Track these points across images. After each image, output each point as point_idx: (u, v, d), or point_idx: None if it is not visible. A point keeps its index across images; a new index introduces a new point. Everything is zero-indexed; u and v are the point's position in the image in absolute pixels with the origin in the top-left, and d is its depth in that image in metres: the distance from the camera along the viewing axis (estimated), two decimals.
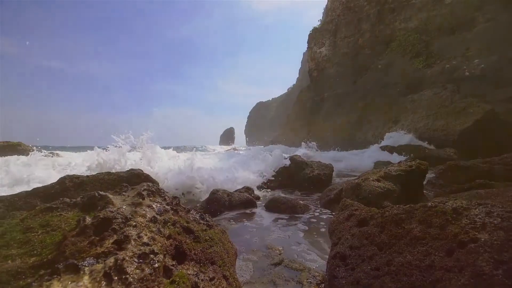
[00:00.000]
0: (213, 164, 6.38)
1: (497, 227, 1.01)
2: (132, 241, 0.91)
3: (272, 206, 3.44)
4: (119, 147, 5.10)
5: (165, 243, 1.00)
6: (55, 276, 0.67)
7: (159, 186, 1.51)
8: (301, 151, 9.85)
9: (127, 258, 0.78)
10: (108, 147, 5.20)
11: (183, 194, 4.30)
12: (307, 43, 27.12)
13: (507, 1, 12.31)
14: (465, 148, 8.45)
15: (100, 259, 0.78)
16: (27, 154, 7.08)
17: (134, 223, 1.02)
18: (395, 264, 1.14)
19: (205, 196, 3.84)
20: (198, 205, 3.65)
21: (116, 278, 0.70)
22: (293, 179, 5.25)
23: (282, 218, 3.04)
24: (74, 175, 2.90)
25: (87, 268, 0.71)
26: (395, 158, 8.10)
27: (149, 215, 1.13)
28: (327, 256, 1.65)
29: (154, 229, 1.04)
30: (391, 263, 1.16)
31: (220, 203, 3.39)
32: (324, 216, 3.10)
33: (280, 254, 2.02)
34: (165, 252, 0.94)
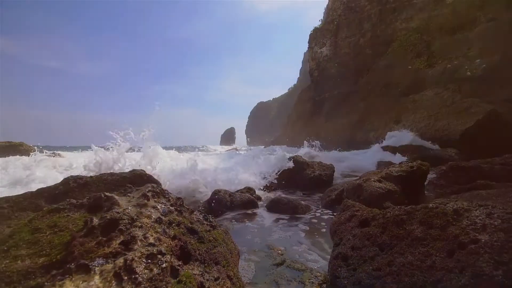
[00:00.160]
0: (215, 165, 6.30)
1: (497, 229, 1.02)
2: (138, 241, 0.94)
3: (273, 206, 3.46)
4: (118, 144, 4.68)
5: (171, 244, 1.02)
6: (67, 276, 0.69)
7: (162, 187, 1.54)
8: (304, 150, 9.78)
9: (136, 258, 0.80)
10: (109, 144, 4.72)
11: (184, 197, 4.24)
12: (308, 43, 27.12)
13: (509, 1, 12.27)
14: (466, 148, 8.43)
15: (109, 259, 0.80)
16: (29, 154, 7.07)
17: (140, 224, 1.05)
18: (396, 264, 1.16)
19: (206, 197, 3.86)
20: (200, 206, 3.67)
21: (126, 278, 0.72)
22: (295, 179, 5.26)
23: (283, 219, 3.05)
24: (78, 175, 2.93)
25: (98, 268, 0.74)
26: (398, 158, 8.07)
27: (154, 216, 1.15)
28: (329, 257, 1.67)
29: (159, 229, 1.06)
30: (393, 263, 1.18)
31: (222, 203, 3.41)
32: (325, 217, 3.11)
33: (282, 255, 2.04)
34: (171, 253, 0.96)
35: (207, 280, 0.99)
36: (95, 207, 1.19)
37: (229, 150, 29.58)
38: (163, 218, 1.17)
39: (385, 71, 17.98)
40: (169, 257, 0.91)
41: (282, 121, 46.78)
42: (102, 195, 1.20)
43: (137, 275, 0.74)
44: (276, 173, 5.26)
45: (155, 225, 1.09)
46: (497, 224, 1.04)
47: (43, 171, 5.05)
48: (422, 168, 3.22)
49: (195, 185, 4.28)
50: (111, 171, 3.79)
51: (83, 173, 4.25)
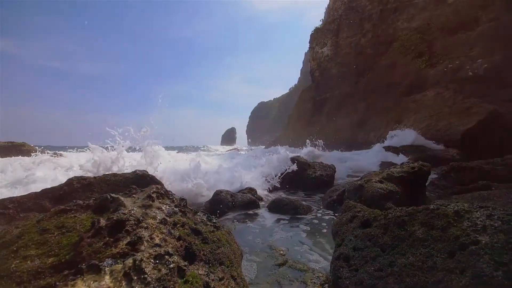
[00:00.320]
0: (217, 166, 6.20)
1: (497, 230, 1.04)
2: (145, 242, 0.96)
3: (275, 207, 3.48)
4: (118, 143, 4.44)
5: (176, 244, 1.04)
6: (79, 276, 0.71)
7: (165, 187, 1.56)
8: (307, 150, 9.75)
9: (144, 259, 0.82)
10: (108, 142, 4.51)
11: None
12: (309, 43, 27.10)
13: (511, 1, 12.23)
14: (468, 148, 8.41)
15: (118, 260, 0.82)
16: (30, 155, 7.08)
17: (146, 225, 1.07)
18: (398, 265, 1.17)
19: (209, 199, 3.87)
20: (202, 207, 3.68)
21: (135, 278, 0.75)
22: (296, 180, 5.28)
23: (284, 219, 3.07)
24: (81, 176, 2.95)
25: (108, 268, 0.76)
26: (400, 159, 8.03)
27: (159, 217, 1.17)
28: (330, 257, 1.69)
29: (164, 230, 1.08)
30: (394, 264, 1.19)
31: (224, 204, 3.43)
32: (327, 217, 3.13)
33: (283, 255, 2.06)
34: (177, 253, 0.98)
35: (212, 280, 1.01)
36: (101, 208, 1.22)
37: (230, 150, 29.58)
38: (168, 219, 1.19)
39: (386, 71, 17.95)
40: (176, 257, 0.93)
41: (283, 121, 46.77)
42: (108, 196, 1.22)
43: (146, 275, 0.76)
44: (279, 177, 5.15)
45: (161, 226, 1.11)
46: (498, 225, 1.06)
47: (43, 171, 5.03)
48: (424, 169, 3.22)
49: (198, 189, 4.17)
50: (110, 172, 3.75)
51: (81, 173, 4.13)
